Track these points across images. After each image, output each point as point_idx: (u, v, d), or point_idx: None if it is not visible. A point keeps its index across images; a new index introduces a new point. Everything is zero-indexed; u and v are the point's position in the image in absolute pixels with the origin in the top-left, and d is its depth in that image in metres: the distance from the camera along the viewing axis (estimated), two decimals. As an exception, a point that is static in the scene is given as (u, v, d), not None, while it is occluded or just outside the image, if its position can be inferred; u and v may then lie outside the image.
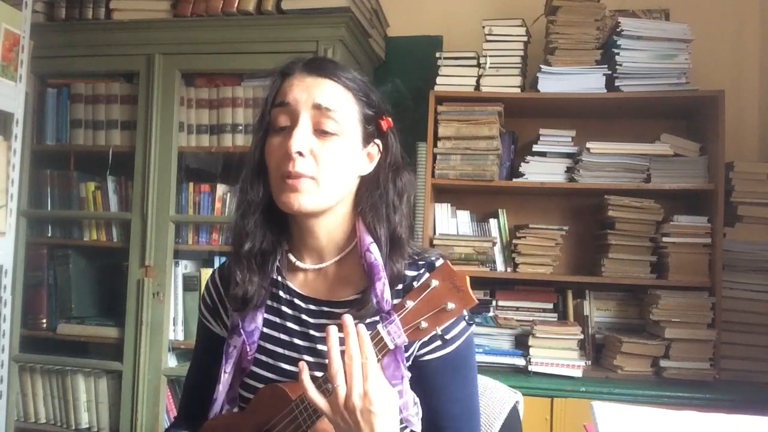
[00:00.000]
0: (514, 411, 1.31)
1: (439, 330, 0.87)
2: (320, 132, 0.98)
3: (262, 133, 1.03)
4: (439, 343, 0.98)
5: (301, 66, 1.02)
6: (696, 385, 2.03)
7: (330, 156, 0.97)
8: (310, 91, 0.98)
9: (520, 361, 2.17)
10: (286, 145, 0.96)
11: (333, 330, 0.86)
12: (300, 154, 0.96)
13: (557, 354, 2.13)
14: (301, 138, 0.96)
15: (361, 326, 0.86)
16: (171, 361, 2.31)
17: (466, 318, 1.00)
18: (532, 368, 2.13)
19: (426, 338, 0.95)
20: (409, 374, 0.96)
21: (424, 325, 0.86)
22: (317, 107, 0.97)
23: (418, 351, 0.99)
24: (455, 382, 1.00)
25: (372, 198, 1.03)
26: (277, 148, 0.99)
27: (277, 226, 1.06)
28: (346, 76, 1.01)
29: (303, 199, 0.97)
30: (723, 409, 1.75)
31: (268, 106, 1.02)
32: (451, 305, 0.85)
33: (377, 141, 1.05)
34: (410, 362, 0.99)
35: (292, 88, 0.99)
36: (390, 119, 1.06)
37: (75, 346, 2.41)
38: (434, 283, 0.86)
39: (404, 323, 0.86)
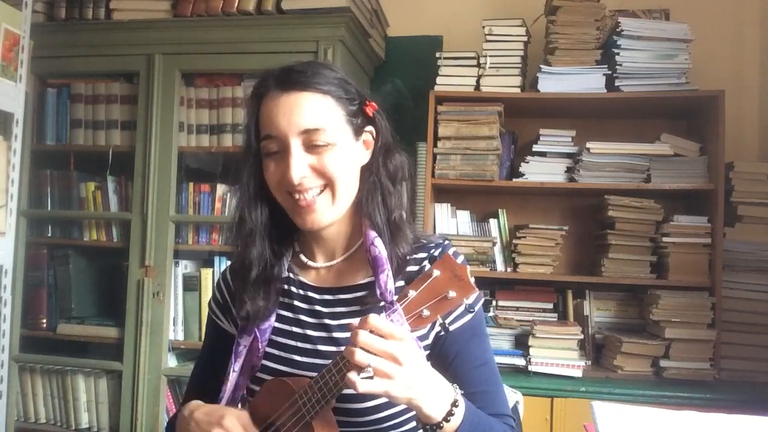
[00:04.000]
0: (514, 411, 1.31)
1: (440, 318, 0.88)
2: (313, 147, 0.98)
3: (252, 160, 1.02)
4: (461, 310, 1.00)
5: (273, 84, 1.00)
6: (696, 385, 2.03)
7: (331, 165, 0.98)
8: (291, 116, 0.97)
9: (520, 361, 2.17)
10: (284, 170, 0.97)
11: (353, 326, 0.86)
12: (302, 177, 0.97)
13: (557, 354, 2.13)
14: (298, 165, 0.97)
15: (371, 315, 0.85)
16: (171, 361, 2.31)
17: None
18: (532, 368, 2.13)
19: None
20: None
21: (426, 313, 0.87)
22: (304, 132, 0.97)
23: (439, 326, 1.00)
24: (479, 346, 1.03)
25: (366, 185, 1.04)
26: (274, 173, 1.00)
27: (282, 235, 1.08)
28: (319, 82, 0.99)
29: (319, 218, 0.99)
30: (723, 409, 1.75)
31: (251, 135, 1.02)
32: (452, 293, 0.86)
33: (368, 128, 1.06)
34: (430, 340, 1.01)
35: (272, 115, 0.98)
36: (373, 103, 1.05)
37: (75, 346, 2.41)
38: (436, 273, 0.87)
39: (407, 312, 0.87)
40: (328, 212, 1.00)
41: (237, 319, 1.09)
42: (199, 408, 0.97)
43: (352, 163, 1.02)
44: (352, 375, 0.82)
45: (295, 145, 0.97)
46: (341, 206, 1.01)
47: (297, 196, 0.98)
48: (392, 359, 0.82)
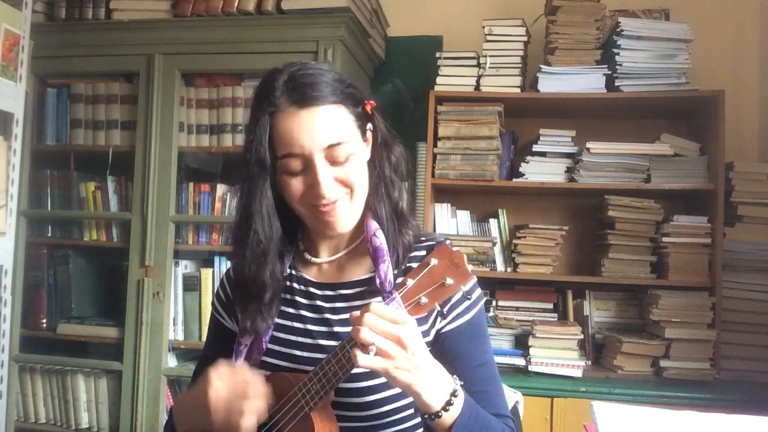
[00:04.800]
0: (514, 411, 1.32)
1: (437, 305, 0.89)
2: (336, 162, 0.98)
3: (261, 178, 0.98)
4: (463, 307, 1.01)
5: (285, 98, 0.96)
6: (696, 385, 2.03)
7: (353, 174, 0.99)
8: (314, 133, 0.95)
9: (520, 361, 2.17)
10: (309, 185, 0.97)
11: (354, 314, 0.87)
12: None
13: (557, 354, 2.13)
14: (326, 181, 0.96)
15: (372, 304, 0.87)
16: (171, 361, 2.31)
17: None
18: (532, 368, 2.13)
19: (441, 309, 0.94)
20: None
21: (424, 300, 0.88)
22: (328, 148, 0.96)
23: (440, 323, 1.02)
24: (479, 346, 1.04)
25: (371, 178, 1.05)
26: (298, 188, 0.98)
27: (285, 233, 1.07)
28: (329, 92, 0.97)
29: (343, 221, 1.00)
30: (723, 409, 1.75)
31: (265, 152, 0.96)
32: (449, 281, 0.88)
33: (368, 126, 1.06)
34: (431, 337, 1.02)
35: (293, 133, 0.95)
36: (372, 101, 1.06)
37: (75, 346, 2.41)
38: (433, 261, 0.89)
39: (405, 300, 0.88)
40: (350, 214, 1.01)
41: (239, 316, 1.09)
42: (186, 395, 0.99)
43: (365, 165, 1.04)
44: (355, 350, 0.83)
45: (320, 160, 0.96)
46: (359, 206, 1.03)
47: (321, 202, 0.98)
48: (397, 341, 0.83)
